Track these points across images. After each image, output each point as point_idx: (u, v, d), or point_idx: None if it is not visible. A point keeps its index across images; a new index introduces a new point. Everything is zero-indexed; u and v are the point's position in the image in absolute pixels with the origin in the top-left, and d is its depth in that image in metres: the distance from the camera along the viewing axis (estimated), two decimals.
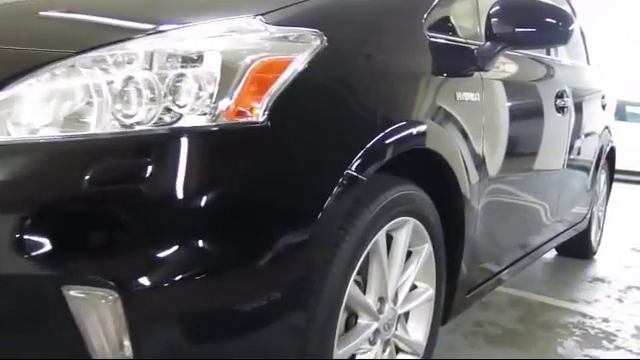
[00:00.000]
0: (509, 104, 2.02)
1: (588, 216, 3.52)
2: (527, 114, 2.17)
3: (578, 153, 2.98)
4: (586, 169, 3.27)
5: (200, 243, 0.97)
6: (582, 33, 3.63)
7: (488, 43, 1.80)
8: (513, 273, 2.50)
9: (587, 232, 3.63)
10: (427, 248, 1.55)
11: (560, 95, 2.55)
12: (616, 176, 7.83)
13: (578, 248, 3.70)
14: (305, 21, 1.19)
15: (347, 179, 1.15)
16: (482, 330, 2.40)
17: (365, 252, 1.27)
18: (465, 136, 1.64)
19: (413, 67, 1.47)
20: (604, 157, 3.63)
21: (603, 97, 3.53)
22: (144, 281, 0.91)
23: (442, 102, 1.54)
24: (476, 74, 1.76)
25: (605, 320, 2.63)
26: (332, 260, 1.17)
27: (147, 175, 0.94)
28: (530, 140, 2.24)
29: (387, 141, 1.27)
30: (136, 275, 0.92)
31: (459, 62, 1.71)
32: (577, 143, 2.92)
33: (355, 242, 1.22)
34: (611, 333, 2.48)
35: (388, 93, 1.33)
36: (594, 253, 3.84)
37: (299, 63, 1.11)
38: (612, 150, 3.89)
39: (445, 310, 1.74)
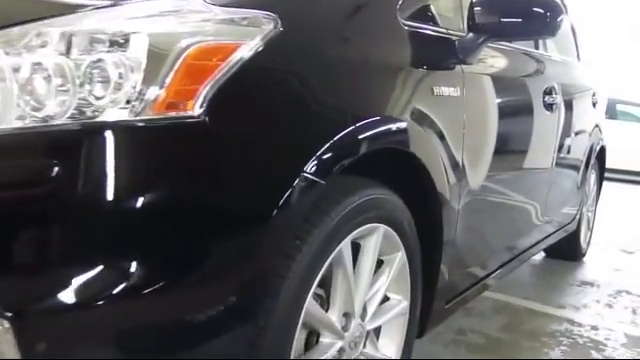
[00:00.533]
0: (493, 100, 1.88)
1: (577, 217, 3.41)
2: (513, 111, 2.04)
3: (567, 152, 2.85)
4: (575, 168, 3.15)
5: (120, 259, 0.83)
6: (572, 28, 3.51)
7: (470, 34, 1.67)
8: (499, 277, 2.38)
9: (576, 233, 3.51)
10: (400, 256, 1.41)
11: (549, 92, 2.43)
12: (607, 175, 7.76)
13: (567, 250, 3.58)
14: (257, 3, 1.05)
15: (302, 182, 1.01)
16: (464, 339, 2.27)
17: (326, 264, 1.13)
18: (443, 133, 1.50)
19: (384, 58, 1.33)
20: (594, 156, 3.51)
21: (594, 95, 3.41)
22: (43, 306, 0.77)
23: (417, 97, 1.40)
24: (457, 67, 1.62)
25: (594, 328, 2.50)
26: (285, 274, 1.03)
27: (56, 179, 0.80)
28: (516, 138, 2.11)
29: (351, 140, 1.13)
30: (36, 299, 0.77)
31: (438, 54, 1.57)
32: (566, 142, 2.80)
33: (314, 253, 1.08)
34: (600, 342, 2.35)
35: (354, 86, 1.19)
36: (583, 255, 3.73)
37: (247, 50, 0.97)
38: (602, 149, 3.77)
39: (422, 322, 1.61)
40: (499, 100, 1.93)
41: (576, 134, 3.02)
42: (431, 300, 1.62)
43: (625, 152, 8.97)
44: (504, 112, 1.97)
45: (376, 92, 1.27)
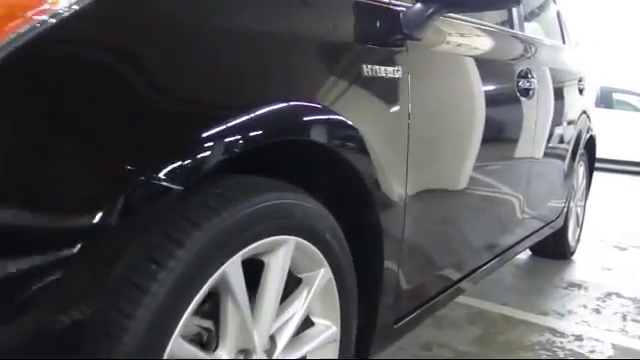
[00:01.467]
0: (450, 83, 1.62)
1: (564, 212, 3.15)
2: (475, 95, 1.77)
3: (549, 141, 2.59)
4: (560, 159, 2.89)
5: None
6: (557, 10, 3.25)
7: (418, 4, 1.41)
8: (475, 281, 2.13)
9: (564, 230, 3.25)
10: (323, 273, 1.15)
11: (523, 75, 2.16)
12: (602, 165, 7.49)
13: (554, 248, 3.33)
14: None
15: (148, 187, 0.75)
16: (429, 355, 2.02)
17: (201, 292, 0.87)
18: (379, 122, 1.25)
19: (288, 28, 1.06)
20: (582, 146, 3.25)
21: (580, 80, 3.14)
22: None
23: (338, 77, 1.14)
24: (400, 43, 1.36)
25: (578, 338, 2.25)
26: (133, 312, 0.78)
27: None
28: (481, 126, 1.84)
29: (224, 132, 0.86)
30: None
31: (372, 26, 1.30)
32: (547, 130, 2.54)
33: (178, 280, 0.82)
34: (583, 355, 2.10)
35: (235, 64, 0.93)
36: (572, 253, 3.47)
37: (45, 13, 0.70)
38: (591, 139, 3.51)
39: (361, 348, 1.35)
40: (457, 83, 1.67)
41: (559, 122, 2.76)
42: (374, 321, 1.36)
43: (622, 142, 8.71)
44: (464, 97, 1.70)
45: (277, 70, 1.00)
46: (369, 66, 1.21)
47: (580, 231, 3.63)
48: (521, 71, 2.15)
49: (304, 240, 1.08)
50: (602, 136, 8.37)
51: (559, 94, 2.74)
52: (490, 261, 2.25)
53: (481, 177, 1.93)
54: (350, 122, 1.14)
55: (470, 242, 2.03)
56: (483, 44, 1.92)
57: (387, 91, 1.28)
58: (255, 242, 0.97)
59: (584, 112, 3.22)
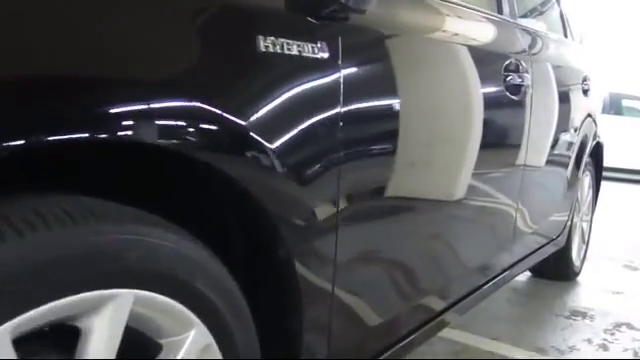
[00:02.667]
0: (405, 72, 1.26)
1: (567, 228, 2.77)
2: (443, 90, 1.42)
3: (547, 148, 2.23)
4: (561, 169, 2.52)
5: None
6: (558, 2, 2.89)
7: None
8: (461, 311, 1.79)
9: (567, 248, 2.88)
10: (195, 338, 0.79)
11: (513, 69, 1.80)
12: (611, 175, 7.10)
13: (556, 268, 2.95)
14: None
15: None
16: None
17: None
18: (285, 121, 0.89)
19: None
20: (586, 154, 2.88)
21: (585, 80, 2.78)
22: None
23: (218, 54, 0.78)
24: (331, 13, 1.00)
25: None
26: None
27: None
28: (450, 127, 1.48)
29: None
30: None
31: None
32: (544, 135, 2.17)
33: None
34: None
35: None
36: (576, 274, 3.08)
37: None
38: (598, 146, 3.14)
39: None
40: (416, 73, 1.31)
41: (559, 126, 2.40)
42: None
43: (632, 150, 8.29)
44: (425, 91, 1.35)
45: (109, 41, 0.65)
46: (267, 39, 0.85)
47: (586, 248, 3.25)
48: (509, 64, 1.79)
49: (154, 293, 0.72)
50: (611, 144, 8.02)
51: (559, 94, 2.37)
52: (480, 287, 1.90)
53: (458, 189, 1.58)
54: (234, 119, 0.79)
55: (451, 266, 1.68)
56: (459, 27, 1.56)
57: (303, 77, 0.93)
58: (48, 303, 0.61)
59: (589, 116, 2.85)
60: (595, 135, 3.05)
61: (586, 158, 2.90)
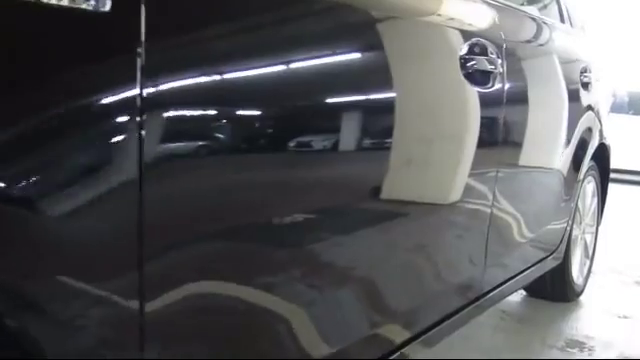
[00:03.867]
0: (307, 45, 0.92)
1: (564, 242, 2.40)
2: (362, 73, 1.07)
3: (532, 148, 1.87)
4: (554, 174, 2.16)
5: None
6: None
7: None
8: (430, 343, 1.48)
9: (565, 265, 2.50)
10: None
11: (479, 50, 1.45)
12: (632, 178, 6.64)
13: (553, 288, 2.57)
14: None
15: None
16: None
17: None
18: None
19: None
20: (588, 156, 2.50)
21: (585, 71, 2.41)
22: None
23: None
24: None
25: None
26: None
27: None
28: (382, 120, 1.14)
29: None
30: None
31: None
32: (526, 132, 1.81)
33: None
34: None
35: None
36: (578, 294, 2.70)
37: None
38: (603, 147, 2.75)
39: None
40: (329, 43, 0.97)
41: (548, 123, 2.04)
42: None
43: None
44: (343, 75, 1.01)
45: None
46: None
47: (591, 264, 2.87)
48: (472, 45, 1.44)
49: None
50: (631, 146, 7.55)
51: (547, 85, 2.01)
52: (458, 311, 1.57)
53: (401, 191, 1.24)
54: None
55: (417, 287, 1.36)
56: None
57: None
58: None
59: (590, 112, 2.48)
60: (600, 135, 2.68)
61: (588, 161, 2.52)
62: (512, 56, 1.66)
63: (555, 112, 2.09)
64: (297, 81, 0.91)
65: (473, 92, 1.43)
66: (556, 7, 2.47)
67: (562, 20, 2.47)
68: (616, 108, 8.35)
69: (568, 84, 2.17)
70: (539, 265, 2.19)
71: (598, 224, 2.92)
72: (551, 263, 2.31)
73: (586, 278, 2.79)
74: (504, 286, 1.90)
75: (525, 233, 1.97)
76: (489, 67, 1.49)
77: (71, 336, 0.62)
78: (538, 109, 1.87)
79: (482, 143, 1.51)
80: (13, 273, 0.56)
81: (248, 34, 0.83)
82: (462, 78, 1.38)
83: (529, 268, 2.10)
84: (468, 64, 1.40)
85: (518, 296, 2.64)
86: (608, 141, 2.83)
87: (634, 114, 8.12)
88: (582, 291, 2.73)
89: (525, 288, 2.58)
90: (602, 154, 2.77)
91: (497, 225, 1.70)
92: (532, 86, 1.81)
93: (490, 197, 1.62)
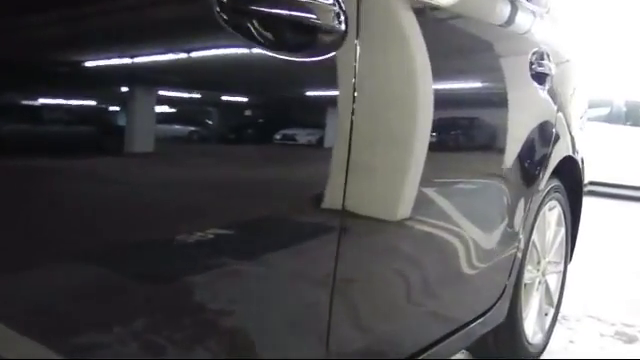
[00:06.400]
0: None
1: (505, 290, 1.74)
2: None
3: (466, 160, 1.24)
4: (495, 194, 1.53)
5: None
6: None
7: None
8: None
9: (512, 320, 1.84)
10: None
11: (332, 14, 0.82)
12: (631, 193, 5.92)
13: (497, 349, 1.91)
14: None
15: None
16: None
17: None
18: None
19: None
20: (546, 175, 1.86)
21: (540, 57, 1.78)
22: None
23: None
24: None
25: None
26: None
27: None
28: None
29: None
30: None
31: None
32: (460, 139, 1.19)
33: None
34: None
35: None
36: (536, 355, 2.04)
37: None
38: (572, 161, 2.11)
39: None
40: None
41: (491, 129, 1.41)
42: None
43: None
44: None
45: None
46: None
47: (556, 313, 2.20)
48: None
49: None
50: (629, 159, 6.85)
51: (487, 79, 1.39)
52: None
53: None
54: None
55: None
56: None
57: None
58: None
59: (548, 113, 1.84)
60: (569, 145, 2.04)
61: (546, 180, 1.87)
62: (370, 11, 1.01)
63: (503, 114, 1.46)
64: None
65: (285, 63, 0.79)
66: None
67: None
68: (613, 119, 7.71)
69: (505, 70, 1.53)
70: (476, 322, 1.55)
71: (567, 261, 2.27)
72: (488, 323, 1.66)
73: (549, 332, 2.13)
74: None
75: (433, 289, 1.33)
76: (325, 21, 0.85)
77: None
78: (472, 108, 1.24)
79: (322, 145, 0.87)
80: None
81: None
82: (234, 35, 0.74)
83: (453, 334, 1.45)
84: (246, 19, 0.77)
85: (460, 355, 2.00)
86: (581, 154, 2.19)
87: (632, 125, 7.45)
88: (542, 350, 2.07)
89: (468, 349, 1.95)
90: (571, 171, 2.13)
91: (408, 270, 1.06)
92: (463, 78, 1.18)
93: (335, 231, 0.97)
